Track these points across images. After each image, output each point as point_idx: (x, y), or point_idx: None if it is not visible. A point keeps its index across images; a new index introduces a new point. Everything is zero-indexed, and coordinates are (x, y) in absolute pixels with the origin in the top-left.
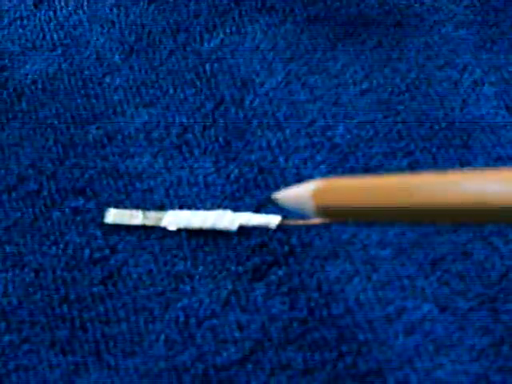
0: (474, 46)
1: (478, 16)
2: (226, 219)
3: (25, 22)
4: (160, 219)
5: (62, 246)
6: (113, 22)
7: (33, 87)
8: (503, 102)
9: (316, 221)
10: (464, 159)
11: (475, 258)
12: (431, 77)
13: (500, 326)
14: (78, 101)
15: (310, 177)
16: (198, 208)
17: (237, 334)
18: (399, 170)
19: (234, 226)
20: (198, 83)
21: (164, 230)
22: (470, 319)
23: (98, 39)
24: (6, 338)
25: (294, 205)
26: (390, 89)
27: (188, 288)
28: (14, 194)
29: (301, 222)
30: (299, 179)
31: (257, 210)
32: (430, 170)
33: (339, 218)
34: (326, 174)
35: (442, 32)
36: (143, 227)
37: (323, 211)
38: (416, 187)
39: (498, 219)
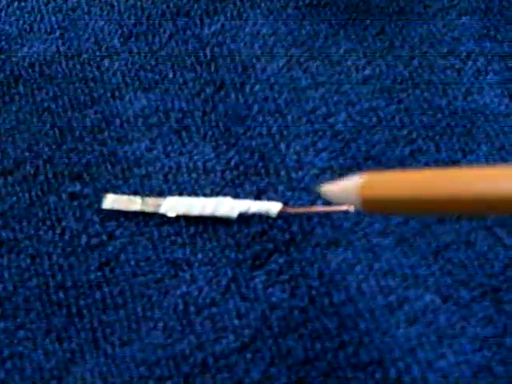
0: (477, 33)
1: (482, 3)
2: (226, 206)
3: (22, 3)
4: (159, 205)
5: (58, 231)
6: (112, 5)
7: (30, 70)
8: (507, 91)
9: (318, 209)
10: (467, 148)
11: (478, 248)
12: (434, 64)
13: (503, 317)
14: (76, 84)
15: (311, 164)
16: (197, 194)
17: (236, 322)
18: (401, 158)
19: (233, 213)
20: (198, 68)
21: (163, 216)
22: (472, 309)
23: (96, 22)
24: (1, 324)
25: (340, 198)
26: (392, 76)
27: (187, 275)
28: (9, 179)
29: (302, 209)
30: (300, 166)
31: (257, 197)
32: (432, 159)
33: (385, 210)
34: (327, 162)
35: (446, 19)
36: (141, 213)
37: (369, 204)
38: (463, 179)
39: None
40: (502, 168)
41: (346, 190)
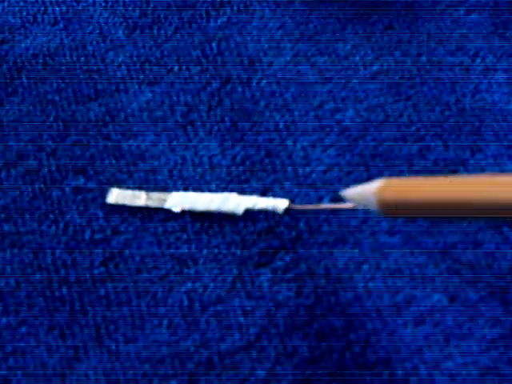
0: (486, 30)
1: (491, 0)
2: (232, 202)
3: None
4: (164, 200)
5: (61, 225)
6: None
7: (33, 62)
8: None
9: (325, 206)
10: (475, 146)
11: (486, 248)
12: (443, 61)
13: (510, 317)
14: (80, 77)
15: (318, 160)
16: (202, 190)
17: (242, 320)
18: (409, 155)
19: (239, 210)
20: (204, 61)
21: (168, 211)
22: (480, 310)
23: (101, 14)
24: (4, 320)
25: (360, 201)
26: (400, 72)
27: (192, 272)
28: (12, 172)
29: (309, 206)
30: (307, 163)
31: (263, 194)
32: (440, 157)
33: (402, 214)
34: (334, 158)
35: (454, 16)
36: (146, 208)
37: (386, 207)
38: (479, 185)
39: None
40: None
41: (364, 194)
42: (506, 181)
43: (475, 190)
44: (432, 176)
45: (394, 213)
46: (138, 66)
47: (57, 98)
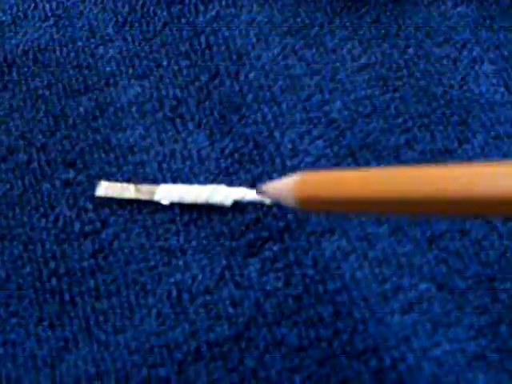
0: (473, 22)
1: None
2: (220, 194)
3: None
4: (153, 193)
5: (51, 218)
6: None
7: (24, 58)
8: (502, 80)
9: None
10: (462, 137)
11: (473, 237)
12: (430, 53)
13: (498, 306)
14: (70, 72)
15: (306, 152)
16: (191, 182)
17: (230, 310)
18: (396, 146)
19: (228, 201)
20: (193, 55)
21: (156, 204)
22: (467, 298)
23: (91, 10)
24: None
25: (277, 197)
26: (387, 65)
27: (181, 263)
28: (2, 166)
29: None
30: (295, 154)
31: (252, 185)
32: (427, 148)
33: (320, 209)
34: (322, 150)
35: (441, 8)
36: (135, 201)
37: (303, 203)
38: (397, 180)
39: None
40: (426, 169)
41: (281, 189)
42: (421, 174)
43: (394, 186)
44: (375, 168)
45: (312, 208)
46: (127, 61)
47: (47, 93)
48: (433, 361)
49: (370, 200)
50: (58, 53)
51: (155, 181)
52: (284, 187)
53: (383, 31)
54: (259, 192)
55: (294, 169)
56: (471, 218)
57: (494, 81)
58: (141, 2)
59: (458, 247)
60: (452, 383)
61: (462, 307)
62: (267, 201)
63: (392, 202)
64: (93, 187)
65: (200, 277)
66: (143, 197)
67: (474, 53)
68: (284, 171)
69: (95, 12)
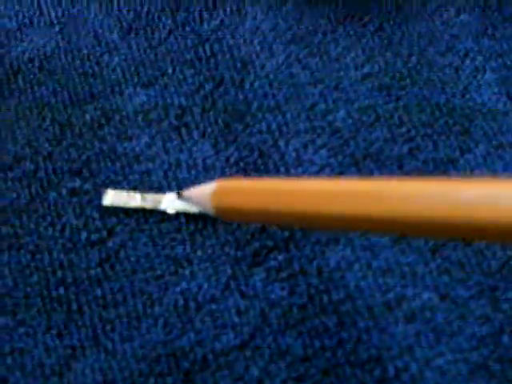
0: (476, 31)
1: (481, 1)
2: None
3: None
4: (159, 202)
5: (58, 227)
6: (111, 0)
7: (30, 65)
8: (505, 89)
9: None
10: (465, 146)
11: (476, 246)
12: (433, 62)
13: (500, 315)
14: (76, 80)
15: (310, 161)
16: None
17: (236, 319)
18: (400, 155)
19: None
20: (197, 64)
21: (162, 213)
22: (470, 308)
23: (96, 17)
24: (2, 320)
25: (196, 203)
26: (391, 73)
27: (187, 272)
28: (9, 174)
29: None
30: (299, 163)
31: None
32: (430, 157)
33: (236, 218)
34: (326, 159)
35: (444, 17)
36: (141, 210)
37: (221, 212)
38: (306, 194)
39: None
40: (328, 184)
41: (200, 196)
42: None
43: (305, 201)
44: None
45: (230, 217)
46: (132, 69)
47: (53, 101)
48: (436, 370)
49: (281, 212)
50: (63, 60)
51: (161, 189)
52: (202, 194)
53: (386, 40)
54: (181, 197)
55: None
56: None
57: (497, 90)
58: (146, 10)
59: (460, 257)
60: None
61: (464, 317)
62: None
63: (297, 215)
64: (99, 196)
65: (206, 286)
66: (149, 206)
67: (477, 62)
68: None
69: (100, 19)
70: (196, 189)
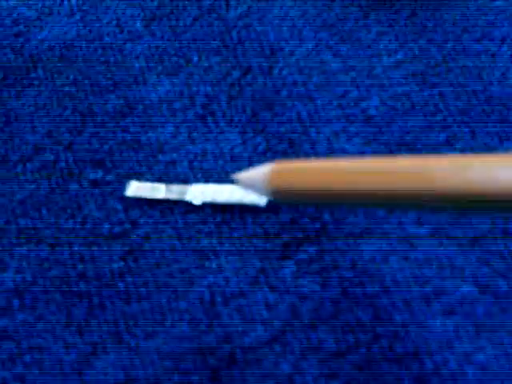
0: None
1: None
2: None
3: None
4: (184, 193)
5: (79, 219)
6: None
7: (50, 54)
8: None
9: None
10: (503, 134)
11: None
12: (468, 49)
13: None
14: (98, 68)
15: (343, 150)
16: (223, 182)
17: (265, 314)
18: (436, 144)
19: (262, 201)
20: (224, 51)
21: (188, 204)
22: (511, 300)
23: (118, 5)
24: (20, 316)
25: (251, 186)
26: (425, 60)
27: (214, 265)
28: (29, 165)
29: None
30: (331, 152)
31: None
32: (467, 145)
33: (293, 200)
34: (359, 147)
35: (479, 2)
36: (166, 201)
37: (278, 193)
38: (369, 171)
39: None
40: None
41: (255, 178)
42: (400, 165)
43: (365, 179)
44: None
45: (287, 198)
46: (156, 57)
47: (74, 90)
48: (476, 366)
49: (343, 191)
50: (84, 49)
51: (186, 180)
52: (257, 177)
53: (420, 26)
54: (236, 181)
55: None
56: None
57: None
58: None
59: (500, 248)
60: None
61: (505, 310)
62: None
63: (365, 194)
64: (122, 187)
65: (233, 279)
66: (174, 197)
67: None
68: None
69: (123, 7)
70: (250, 171)
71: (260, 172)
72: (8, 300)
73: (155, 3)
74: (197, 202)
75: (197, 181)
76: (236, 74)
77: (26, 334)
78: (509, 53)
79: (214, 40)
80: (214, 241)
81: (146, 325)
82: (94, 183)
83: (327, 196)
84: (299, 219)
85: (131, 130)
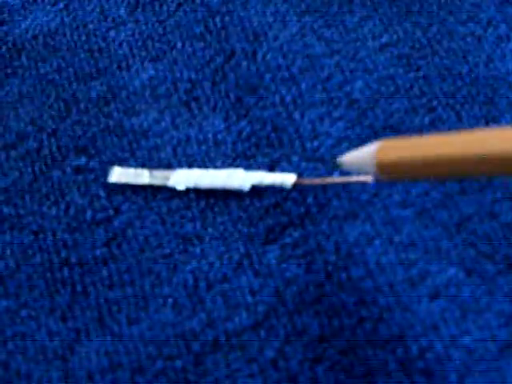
0: None
1: None
2: (238, 178)
3: None
4: (167, 178)
5: (63, 206)
6: None
7: (33, 42)
8: None
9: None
10: (489, 116)
11: (502, 219)
12: (453, 31)
13: None
14: (81, 56)
15: (327, 134)
16: (207, 167)
17: (249, 299)
18: (421, 127)
19: (245, 186)
20: (208, 36)
21: (171, 189)
22: (498, 283)
23: None
24: (3, 303)
25: (358, 165)
26: (410, 43)
27: (197, 250)
28: (12, 153)
29: (317, 181)
30: (315, 136)
31: (271, 169)
32: (453, 128)
33: (401, 175)
34: (343, 131)
35: None
36: (149, 187)
37: (387, 168)
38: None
39: None
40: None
41: (362, 157)
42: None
43: (480, 144)
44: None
45: (394, 174)
46: (140, 44)
47: (57, 78)
48: (462, 349)
49: (454, 160)
50: (68, 37)
51: (170, 166)
52: (365, 155)
53: (404, 9)
54: (339, 164)
55: (314, 152)
56: None
57: None
58: None
59: (486, 230)
60: (483, 372)
61: (491, 292)
62: (287, 184)
63: (474, 161)
64: (105, 173)
65: (217, 264)
66: (157, 182)
67: (500, 30)
68: (304, 154)
69: None
70: (356, 151)
71: (366, 151)
72: None
73: None
74: (180, 187)
75: (180, 166)
76: (220, 59)
77: (10, 322)
78: (494, 35)
79: (198, 26)
80: (198, 226)
81: (130, 311)
82: (78, 170)
83: (434, 166)
84: (283, 203)
85: (114, 116)
